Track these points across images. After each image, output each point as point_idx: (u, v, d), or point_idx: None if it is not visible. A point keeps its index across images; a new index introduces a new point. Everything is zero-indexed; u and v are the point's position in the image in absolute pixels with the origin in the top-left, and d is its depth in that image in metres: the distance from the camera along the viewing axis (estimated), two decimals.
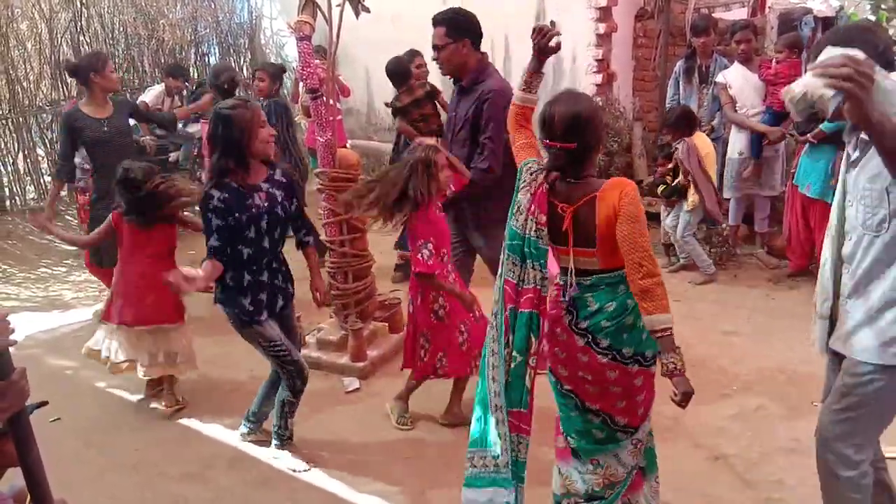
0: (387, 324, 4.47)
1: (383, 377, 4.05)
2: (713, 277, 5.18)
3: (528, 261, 2.31)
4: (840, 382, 2.26)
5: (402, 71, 5.30)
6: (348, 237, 4.11)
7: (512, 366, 2.34)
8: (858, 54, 1.86)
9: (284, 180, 3.11)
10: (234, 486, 3.21)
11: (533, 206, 2.30)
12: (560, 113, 2.23)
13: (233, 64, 9.09)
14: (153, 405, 3.89)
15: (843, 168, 2.27)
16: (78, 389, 4.13)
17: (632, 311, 2.28)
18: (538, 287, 2.30)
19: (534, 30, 2.53)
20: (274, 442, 3.36)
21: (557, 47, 2.55)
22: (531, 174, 2.35)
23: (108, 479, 3.30)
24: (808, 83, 1.96)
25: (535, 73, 2.59)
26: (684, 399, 2.18)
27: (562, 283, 2.35)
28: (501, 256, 2.40)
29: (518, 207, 2.34)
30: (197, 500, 3.13)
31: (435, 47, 3.51)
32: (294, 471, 3.26)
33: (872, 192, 2.11)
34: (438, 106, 5.31)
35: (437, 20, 3.50)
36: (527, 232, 2.30)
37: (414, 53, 5.47)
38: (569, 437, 2.50)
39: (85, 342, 3.98)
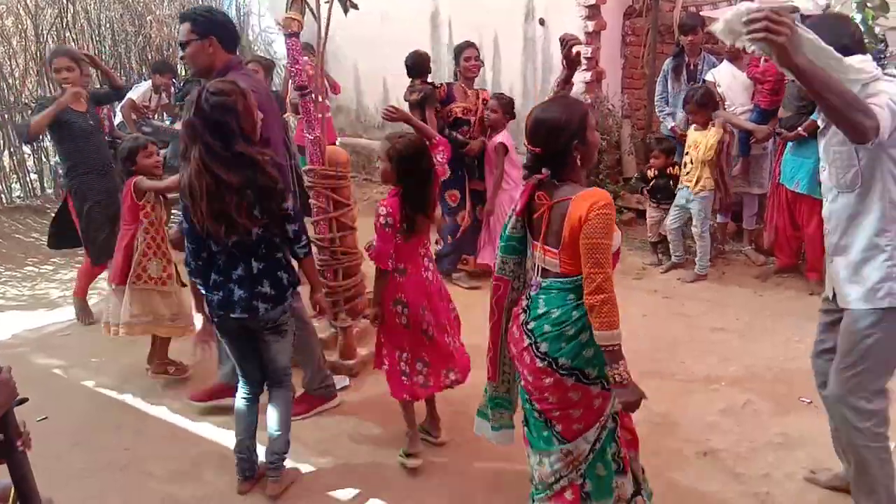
0: None
1: (373, 375, 4.04)
2: (704, 276, 5.21)
3: (500, 251, 2.51)
4: (841, 343, 2.48)
5: (412, 65, 5.23)
6: (338, 234, 4.10)
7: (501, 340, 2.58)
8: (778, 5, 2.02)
9: None
10: (224, 484, 3.20)
11: (518, 200, 2.44)
12: (532, 118, 2.34)
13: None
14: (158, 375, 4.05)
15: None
16: (65, 388, 4.10)
17: (575, 324, 2.27)
18: (505, 277, 2.50)
19: (561, 41, 2.64)
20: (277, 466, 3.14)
21: (578, 57, 2.65)
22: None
23: (97, 478, 3.28)
24: (729, 24, 2.10)
25: (564, 83, 2.70)
26: (628, 408, 2.26)
27: (532, 283, 2.44)
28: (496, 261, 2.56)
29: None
30: (186, 499, 3.11)
31: (181, 44, 3.44)
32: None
33: (842, 154, 2.36)
34: (431, 113, 5.13)
35: (184, 16, 3.44)
36: (509, 226, 2.47)
37: (464, 46, 5.27)
38: (525, 426, 2.54)
39: (71, 341, 3.98)
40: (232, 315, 2.83)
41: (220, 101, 2.65)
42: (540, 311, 2.32)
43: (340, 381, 4.00)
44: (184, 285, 3.82)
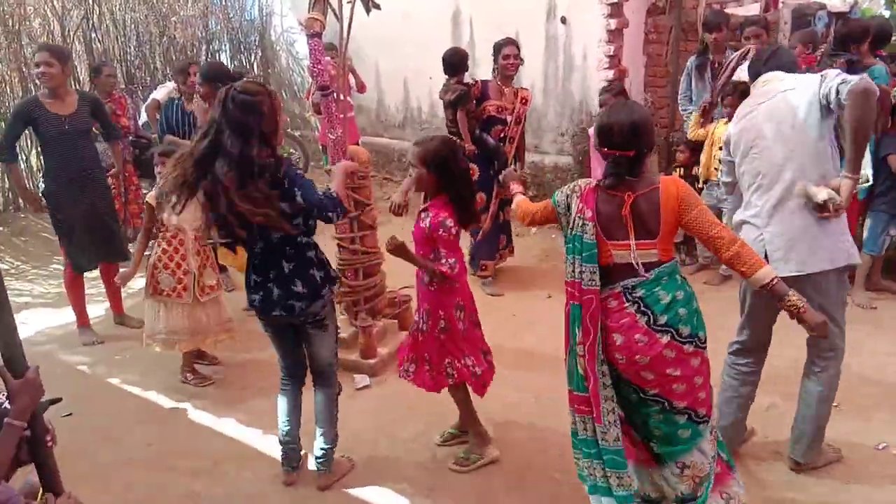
0: (396, 321, 4.48)
1: (393, 374, 4.05)
2: (729, 277, 5.15)
3: (574, 256, 2.45)
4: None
5: (449, 62, 5.14)
6: (358, 234, 4.11)
7: (572, 353, 2.49)
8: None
9: None
10: (247, 481, 3.22)
11: (581, 205, 2.44)
12: (621, 123, 2.36)
13: (243, 61, 9.12)
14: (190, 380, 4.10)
15: None
16: (91, 385, 4.16)
17: (693, 297, 2.44)
18: (577, 280, 2.43)
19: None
20: (322, 469, 3.17)
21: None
22: (572, 188, 2.52)
23: (121, 473, 3.32)
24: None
25: None
26: (819, 329, 2.34)
27: (619, 289, 2.41)
28: (566, 267, 2.52)
29: (569, 216, 2.49)
30: (209, 496, 3.14)
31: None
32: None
33: None
34: (463, 115, 5.04)
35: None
36: (576, 230, 2.44)
37: (504, 43, 5.09)
38: (651, 444, 2.52)
39: (96, 338, 4.00)
40: (273, 313, 2.87)
41: (246, 101, 2.61)
42: (666, 301, 2.36)
43: (361, 380, 4.02)
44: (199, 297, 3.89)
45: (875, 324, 4.34)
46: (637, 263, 2.37)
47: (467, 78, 5.29)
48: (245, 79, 2.91)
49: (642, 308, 2.37)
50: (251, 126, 2.61)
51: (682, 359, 2.37)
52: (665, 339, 2.34)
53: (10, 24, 7.01)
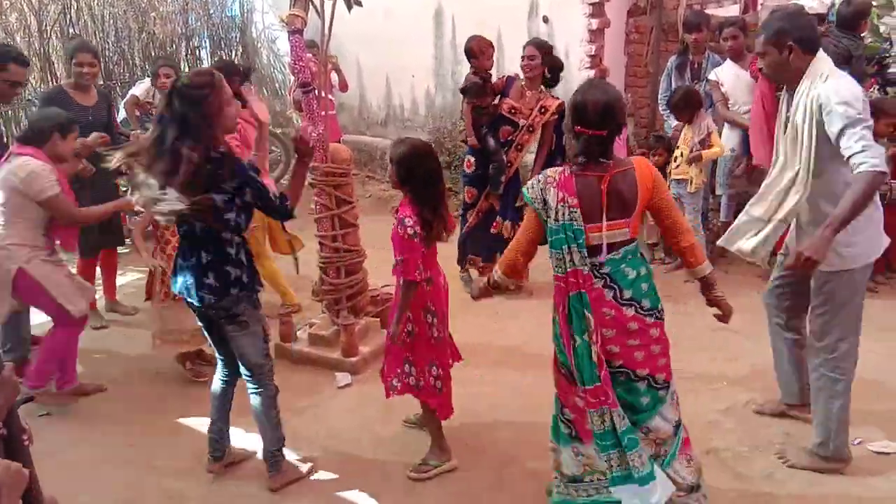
0: (378, 319, 4.47)
1: (375, 372, 4.04)
2: None
3: (569, 246, 2.43)
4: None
5: (466, 50, 4.94)
6: (340, 232, 4.10)
7: (576, 347, 2.47)
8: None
9: None
10: (228, 480, 3.21)
11: (561, 194, 2.43)
12: (595, 101, 2.40)
13: (224, 58, 9.04)
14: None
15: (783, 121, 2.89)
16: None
17: (651, 273, 2.58)
18: (579, 268, 2.44)
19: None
20: (272, 470, 3.15)
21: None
22: (543, 180, 2.49)
23: (101, 473, 3.29)
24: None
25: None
26: (728, 314, 2.71)
27: (587, 266, 2.46)
28: (556, 260, 2.49)
29: (548, 210, 2.46)
30: (190, 495, 3.12)
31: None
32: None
33: None
34: (468, 108, 4.89)
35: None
36: (563, 220, 2.43)
37: (526, 43, 4.89)
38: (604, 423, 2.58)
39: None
40: (187, 300, 2.91)
41: (187, 93, 2.65)
42: (631, 277, 2.48)
43: (343, 378, 4.01)
44: None
45: None
46: (604, 243, 2.44)
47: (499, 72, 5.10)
48: (196, 69, 2.95)
49: (609, 283, 2.46)
50: (189, 117, 2.63)
51: (643, 329, 2.50)
52: (630, 312, 2.47)
53: None
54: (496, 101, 4.90)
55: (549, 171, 2.52)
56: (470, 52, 4.91)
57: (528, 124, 4.83)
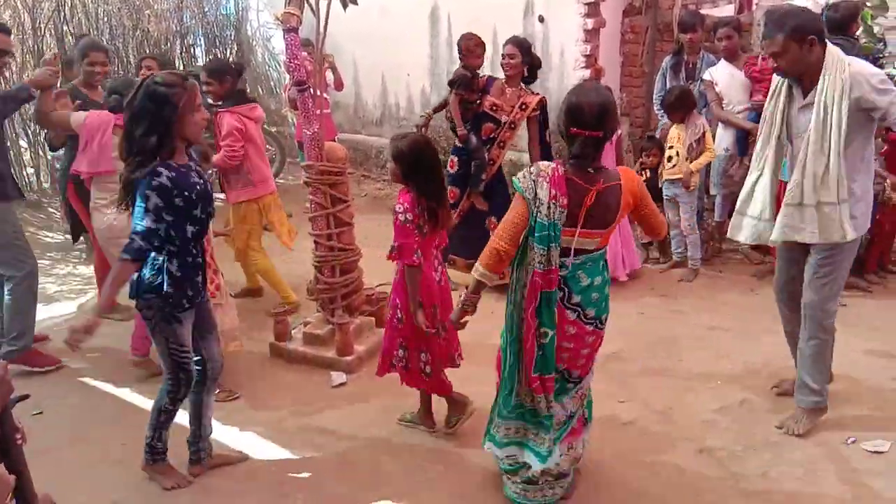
0: (374, 318, 4.47)
1: (370, 371, 4.04)
2: (697, 270, 5.23)
3: (550, 244, 2.49)
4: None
5: (458, 46, 5.04)
6: (336, 230, 4.10)
7: (544, 342, 2.60)
8: None
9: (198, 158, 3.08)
10: (221, 479, 3.20)
11: (554, 191, 2.46)
12: (590, 102, 2.45)
13: (218, 56, 9.02)
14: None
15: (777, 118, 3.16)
16: (62, 383, 4.09)
17: (607, 283, 2.67)
18: (557, 266, 2.52)
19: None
20: (145, 457, 3.13)
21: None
22: (536, 173, 2.52)
23: (94, 473, 3.27)
24: None
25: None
26: None
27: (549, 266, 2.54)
28: (530, 254, 2.55)
29: (538, 203, 2.48)
30: (183, 494, 3.11)
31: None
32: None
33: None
34: (455, 100, 4.91)
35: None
36: (552, 218, 2.47)
37: (506, 42, 4.92)
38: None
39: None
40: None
41: (155, 90, 2.68)
42: (584, 284, 2.57)
43: (337, 377, 4.00)
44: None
45: (843, 321, 4.41)
46: (571, 250, 2.51)
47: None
48: (167, 71, 3.01)
49: (561, 285, 2.55)
50: (147, 112, 2.68)
51: (580, 335, 2.63)
52: (572, 316, 2.59)
53: None
54: (479, 99, 4.95)
55: (542, 165, 2.54)
56: (460, 50, 5.01)
57: (509, 121, 4.87)
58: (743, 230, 3.36)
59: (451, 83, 4.98)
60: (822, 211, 3.04)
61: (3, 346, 4.05)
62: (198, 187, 2.83)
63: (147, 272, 2.82)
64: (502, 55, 4.88)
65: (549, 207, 2.45)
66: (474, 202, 5.01)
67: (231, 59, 5.26)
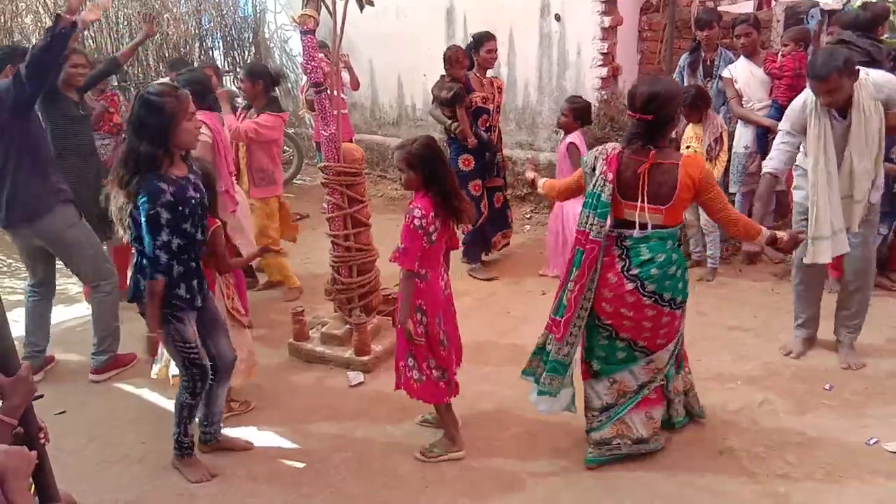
0: (391, 318, 4.47)
1: (387, 371, 4.04)
2: (715, 270, 5.19)
3: (590, 211, 2.84)
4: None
5: (445, 59, 5.18)
6: (352, 231, 4.11)
7: (567, 290, 2.92)
8: None
9: (200, 172, 3.09)
10: (241, 479, 3.22)
11: (604, 167, 2.81)
12: (642, 90, 2.77)
13: (237, 58, 9.09)
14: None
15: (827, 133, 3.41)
16: (82, 382, 4.14)
17: (675, 264, 2.85)
18: (588, 230, 2.84)
19: None
20: (174, 452, 3.23)
21: None
22: (601, 150, 2.89)
23: (114, 472, 3.31)
24: None
25: None
26: (787, 249, 3.15)
27: (615, 234, 2.86)
28: (580, 216, 2.90)
29: (592, 177, 2.87)
30: (202, 494, 3.14)
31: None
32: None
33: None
34: (463, 112, 5.11)
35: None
36: (596, 189, 2.83)
37: (486, 36, 5.27)
38: (591, 362, 3.07)
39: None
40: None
41: (149, 100, 2.78)
42: (644, 258, 2.81)
43: (355, 377, 4.02)
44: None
45: (867, 320, 4.36)
46: (638, 222, 2.77)
47: None
48: (160, 82, 3.12)
49: (623, 255, 2.85)
50: (144, 122, 2.78)
51: (638, 306, 2.85)
52: (630, 286, 2.83)
53: (2, 20, 6.98)
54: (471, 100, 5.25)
55: (609, 146, 2.89)
56: (446, 60, 5.18)
57: (495, 106, 5.40)
58: (824, 253, 3.52)
59: (450, 101, 5.10)
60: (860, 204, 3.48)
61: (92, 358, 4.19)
62: (192, 202, 2.90)
63: (142, 278, 2.92)
64: (488, 50, 5.24)
65: (596, 180, 2.82)
66: (496, 184, 5.50)
67: (272, 68, 5.35)
